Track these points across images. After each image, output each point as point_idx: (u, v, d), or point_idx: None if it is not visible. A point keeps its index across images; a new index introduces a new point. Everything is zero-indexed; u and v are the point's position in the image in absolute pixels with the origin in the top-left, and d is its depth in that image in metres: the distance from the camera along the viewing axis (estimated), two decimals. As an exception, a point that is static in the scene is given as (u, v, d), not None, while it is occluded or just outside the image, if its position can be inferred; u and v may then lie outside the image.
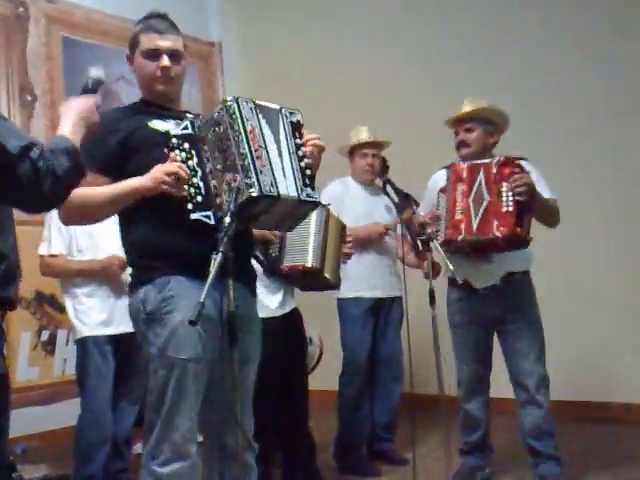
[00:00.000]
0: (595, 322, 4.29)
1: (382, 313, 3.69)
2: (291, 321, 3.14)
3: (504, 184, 2.91)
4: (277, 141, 2.01)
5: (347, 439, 3.66)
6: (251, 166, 1.89)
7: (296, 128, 2.07)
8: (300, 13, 5.69)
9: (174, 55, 2.14)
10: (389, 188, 3.39)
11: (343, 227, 3.21)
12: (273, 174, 1.94)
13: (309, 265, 2.93)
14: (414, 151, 4.55)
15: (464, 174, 3.04)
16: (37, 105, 4.73)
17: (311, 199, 2.03)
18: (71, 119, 1.71)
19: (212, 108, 2.02)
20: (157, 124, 2.07)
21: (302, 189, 2.01)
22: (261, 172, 1.90)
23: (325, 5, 5.54)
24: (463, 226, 2.96)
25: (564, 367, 3.91)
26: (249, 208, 1.90)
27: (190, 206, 1.94)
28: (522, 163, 3.04)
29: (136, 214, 2.05)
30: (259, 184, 1.88)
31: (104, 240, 3.21)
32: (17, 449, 3.89)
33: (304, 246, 2.94)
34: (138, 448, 3.49)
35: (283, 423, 3.16)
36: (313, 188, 2.04)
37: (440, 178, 3.21)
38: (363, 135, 3.77)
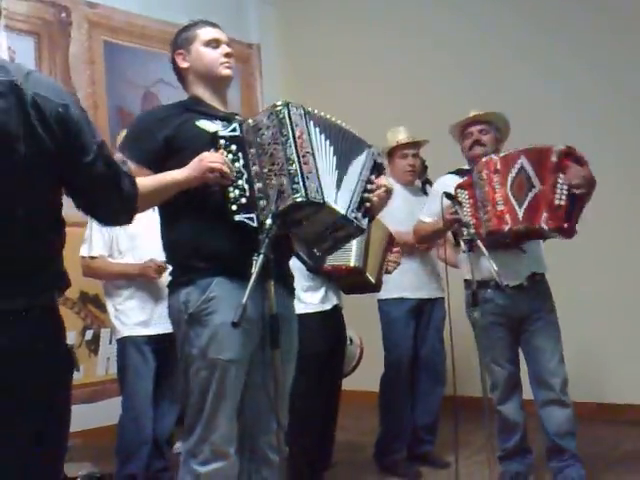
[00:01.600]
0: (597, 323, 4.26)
1: (424, 314, 3.65)
2: (332, 318, 3.12)
3: (561, 175, 2.90)
4: (339, 156, 2.04)
5: (388, 440, 3.64)
6: (298, 171, 1.90)
7: (376, 168, 2.14)
8: (337, 13, 5.67)
9: (229, 47, 2.23)
10: (429, 188, 3.37)
11: (390, 235, 3.20)
12: (319, 181, 1.94)
13: (352, 265, 2.94)
14: (448, 149, 4.52)
15: (498, 165, 3.00)
16: (79, 109, 4.80)
17: (356, 221, 2.05)
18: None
19: (252, 110, 2.04)
20: (205, 124, 2.09)
21: (352, 210, 2.04)
22: (307, 178, 1.91)
23: (362, 5, 5.52)
24: (509, 216, 2.93)
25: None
26: (292, 212, 1.91)
27: (234, 207, 1.95)
28: None
29: (178, 214, 2.07)
30: (305, 189, 1.89)
31: (145, 242, 3.24)
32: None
33: (348, 246, 2.94)
34: (178, 447, 3.53)
35: (313, 424, 3.12)
36: (364, 217, 2.08)
37: (448, 182, 3.18)
38: (402, 136, 3.74)
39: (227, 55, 2.20)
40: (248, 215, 1.94)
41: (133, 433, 3.22)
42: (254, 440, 2.10)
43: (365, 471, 3.62)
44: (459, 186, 3.08)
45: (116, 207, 1.62)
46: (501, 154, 3.08)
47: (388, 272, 3.23)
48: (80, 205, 1.58)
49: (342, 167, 2.05)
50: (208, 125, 2.08)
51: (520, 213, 2.92)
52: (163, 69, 5.79)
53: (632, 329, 4.25)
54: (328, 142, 2.04)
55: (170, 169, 2.02)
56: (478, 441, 3.60)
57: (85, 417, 4.35)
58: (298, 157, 1.92)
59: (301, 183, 1.89)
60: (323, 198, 1.93)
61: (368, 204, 2.08)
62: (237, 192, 1.96)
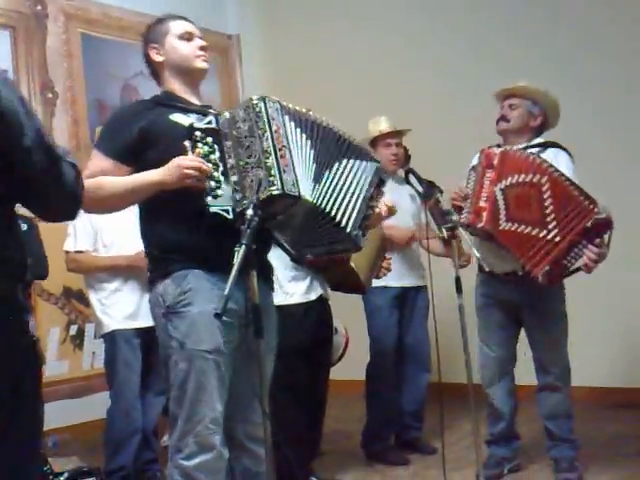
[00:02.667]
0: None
1: (408, 302, 3.67)
2: (317, 308, 3.13)
3: (586, 242, 2.78)
4: (318, 149, 2.03)
5: (375, 428, 3.66)
6: (274, 164, 1.90)
7: (379, 184, 2.17)
8: (317, 3, 5.65)
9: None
10: (412, 177, 3.37)
11: (385, 239, 3.21)
12: (295, 174, 1.94)
13: None
14: (431, 138, 4.53)
15: (495, 161, 2.93)
16: (58, 102, 4.76)
17: (356, 239, 2.05)
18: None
19: (232, 101, 2.04)
20: (179, 117, 2.08)
21: (355, 227, 2.04)
22: (284, 171, 1.91)
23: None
24: (485, 214, 2.89)
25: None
26: (268, 205, 1.91)
27: (209, 199, 1.94)
28: (556, 151, 3.01)
29: (154, 208, 2.07)
30: (282, 182, 1.89)
31: (130, 235, 3.20)
32: (48, 442, 3.95)
33: None
34: (165, 440, 3.53)
35: (300, 414, 3.12)
36: (364, 235, 2.08)
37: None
38: (384, 125, 3.73)
39: (202, 48, 2.21)
40: (224, 207, 1.94)
41: (122, 425, 3.21)
42: (232, 429, 2.09)
43: (353, 459, 3.64)
44: (472, 168, 3.04)
45: (56, 201, 1.49)
46: (502, 148, 2.98)
47: (377, 277, 3.24)
48: (17, 198, 1.46)
49: (321, 161, 2.04)
50: (182, 119, 2.07)
51: (502, 217, 2.86)
52: (142, 61, 5.76)
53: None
54: (304, 136, 2.03)
55: (150, 162, 2.02)
56: (465, 426, 3.63)
57: (71, 412, 4.37)
58: (275, 150, 1.92)
59: (277, 176, 1.89)
60: (299, 191, 1.93)
61: (370, 211, 2.11)
62: (213, 184, 1.95)
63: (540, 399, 3.14)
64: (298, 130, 2.03)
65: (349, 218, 2.03)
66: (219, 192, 1.95)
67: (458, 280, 2.62)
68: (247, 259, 1.76)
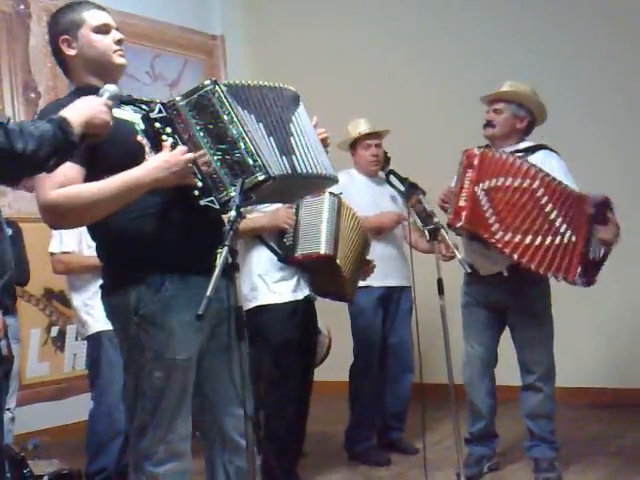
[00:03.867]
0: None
1: (392, 302, 3.68)
2: (304, 308, 3.14)
3: (599, 228, 2.82)
4: (274, 121, 1.98)
5: (357, 429, 3.67)
6: (252, 148, 1.85)
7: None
8: (303, 3, 5.66)
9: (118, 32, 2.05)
10: (393, 178, 3.37)
11: (368, 241, 3.22)
12: (266, 153, 1.89)
13: (322, 252, 2.95)
14: (412, 139, 4.56)
15: (475, 161, 2.93)
16: (41, 102, 4.72)
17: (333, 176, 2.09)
18: (71, 107, 1.65)
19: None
20: (118, 112, 1.88)
21: (329, 167, 2.06)
22: (262, 154, 1.86)
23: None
24: (464, 214, 2.89)
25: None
26: (254, 191, 1.85)
27: (196, 192, 1.85)
28: (546, 153, 3.04)
29: (121, 209, 1.86)
30: (265, 166, 1.85)
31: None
32: (28, 444, 3.91)
33: (317, 234, 2.96)
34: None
35: (285, 413, 3.12)
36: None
37: None
38: (363, 127, 3.74)
39: (119, 42, 2.02)
40: (209, 198, 1.86)
41: (105, 427, 3.18)
42: (223, 431, 2.05)
43: (335, 460, 3.64)
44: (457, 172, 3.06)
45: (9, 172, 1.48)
46: (482, 149, 2.99)
47: (362, 279, 3.29)
48: None
49: (285, 130, 1.98)
50: (123, 113, 1.91)
51: (491, 218, 2.86)
52: (127, 62, 5.75)
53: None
54: (249, 111, 1.92)
55: (102, 162, 1.84)
56: (446, 427, 3.65)
57: (52, 414, 4.34)
58: (247, 134, 1.85)
59: (260, 161, 1.84)
60: (273, 171, 1.86)
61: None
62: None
63: (523, 399, 3.17)
64: (242, 105, 1.92)
65: (325, 166, 2.05)
66: (199, 184, 1.86)
67: (440, 281, 2.63)
68: (230, 261, 1.74)
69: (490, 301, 3.13)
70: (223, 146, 1.86)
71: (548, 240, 2.82)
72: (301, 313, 3.11)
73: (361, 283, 3.49)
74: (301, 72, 5.43)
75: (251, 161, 1.84)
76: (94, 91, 1.82)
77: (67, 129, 1.59)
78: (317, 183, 2.20)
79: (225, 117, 1.86)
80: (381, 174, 3.88)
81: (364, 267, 3.29)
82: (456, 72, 4.76)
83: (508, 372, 3.29)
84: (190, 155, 1.84)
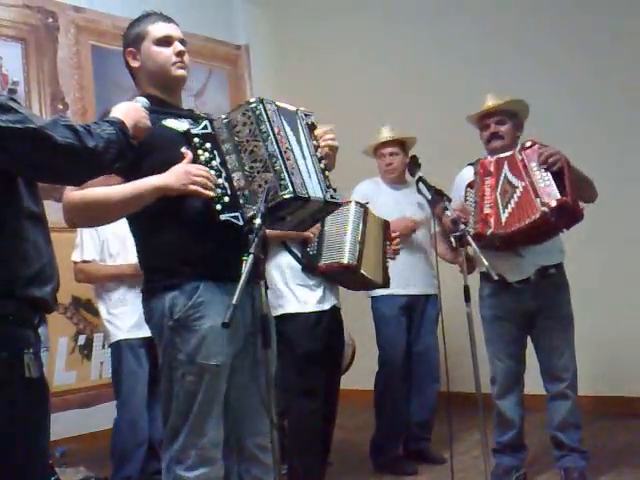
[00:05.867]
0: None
1: (416, 311, 3.66)
2: (330, 318, 3.13)
3: (533, 164, 2.89)
4: (299, 142, 2.02)
5: (383, 438, 3.64)
6: (283, 168, 1.89)
7: (312, 129, 2.10)
8: (326, 12, 5.67)
9: (183, 44, 2.12)
10: (422, 185, 3.36)
11: (386, 225, 3.21)
12: (301, 176, 1.95)
13: (345, 262, 2.94)
14: (444, 146, 4.53)
15: (491, 167, 3.02)
16: (69, 113, 4.79)
17: (335, 200, 2.06)
18: (120, 110, 1.75)
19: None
20: (172, 123, 2.01)
21: (326, 190, 2.04)
22: (292, 174, 1.90)
23: (351, 3, 5.50)
24: (492, 220, 2.92)
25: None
26: (280, 209, 1.91)
27: (219, 207, 1.91)
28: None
29: (159, 218, 1.98)
30: (292, 186, 1.88)
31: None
32: (56, 452, 3.94)
33: (341, 244, 2.95)
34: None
35: (313, 424, 3.11)
36: (335, 189, 2.07)
37: (467, 174, 3.18)
38: (382, 135, 3.77)
39: (180, 54, 2.08)
40: (233, 214, 1.91)
41: (129, 436, 3.21)
42: (241, 441, 2.08)
43: (361, 469, 3.62)
44: (468, 185, 3.09)
45: (63, 167, 1.57)
46: (494, 157, 3.07)
47: (391, 258, 3.23)
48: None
49: (303, 152, 2.03)
50: (176, 124, 2.00)
51: (503, 218, 2.90)
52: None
53: None
54: (296, 135, 2.03)
55: (144, 170, 1.94)
56: (473, 437, 3.61)
57: (79, 422, 4.37)
58: (281, 153, 1.91)
59: (287, 179, 1.88)
60: (308, 192, 1.93)
61: (327, 172, 2.07)
62: (219, 191, 1.92)
63: (552, 409, 3.12)
64: (291, 129, 2.01)
65: (319, 187, 2.03)
66: (226, 199, 1.92)
67: (467, 289, 2.61)
68: (255, 268, 1.75)
69: (518, 310, 3.09)
70: (256, 164, 1.91)
71: (511, 204, 2.90)
72: (326, 323, 3.10)
73: (384, 291, 3.48)
74: (326, 81, 5.47)
75: (280, 180, 1.88)
76: (164, 103, 2.02)
77: (127, 132, 1.69)
78: (328, 211, 2.17)
79: (262, 135, 1.91)
80: (410, 179, 3.89)
81: (387, 248, 3.24)
82: (497, 75, 4.72)
83: (529, 381, 3.24)
84: (196, 171, 1.90)
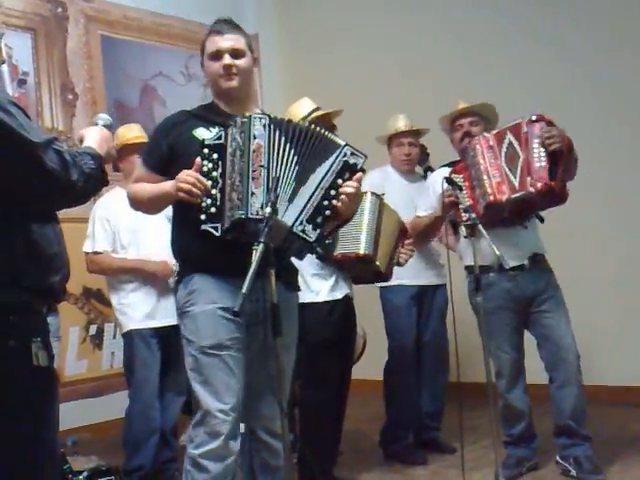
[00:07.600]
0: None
1: (425, 301, 3.65)
2: (342, 307, 3.12)
3: (535, 140, 2.93)
4: (290, 164, 2.00)
5: (394, 427, 3.64)
6: (244, 187, 1.94)
7: (347, 169, 2.04)
8: (337, 2, 5.64)
9: (235, 53, 2.22)
10: (430, 175, 3.36)
11: (402, 225, 3.20)
12: (267, 196, 1.92)
13: (362, 252, 2.93)
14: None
15: (491, 142, 3.04)
16: (79, 103, 4.80)
17: (303, 235, 1.99)
18: (95, 139, 1.78)
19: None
20: (200, 132, 2.15)
21: (302, 222, 1.99)
22: (252, 194, 1.94)
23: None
24: (506, 187, 2.95)
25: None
26: (241, 228, 1.96)
27: (203, 217, 2.01)
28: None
29: (175, 218, 2.25)
30: (247, 207, 1.92)
31: (147, 236, 3.25)
32: (67, 441, 3.98)
33: (357, 234, 2.94)
34: (184, 440, 3.54)
35: (324, 413, 3.12)
36: (316, 228, 2.00)
37: (441, 174, 3.16)
38: (400, 123, 3.73)
39: (227, 67, 2.20)
40: (214, 225, 2.01)
41: (141, 424, 3.23)
42: (251, 423, 2.20)
43: (371, 459, 3.63)
44: (453, 171, 3.09)
45: (41, 189, 1.55)
46: (493, 132, 3.11)
47: (399, 264, 3.21)
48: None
49: (302, 177, 2.02)
50: (204, 133, 2.14)
51: (516, 182, 2.94)
52: (161, 62, 5.81)
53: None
54: (293, 152, 2.02)
55: (174, 174, 2.10)
56: (483, 426, 3.60)
57: (91, 411, 4.40)
58: (248, 172, 1.95)
59: (244, 200, 1.93)
60: (265, 214, 1.86)
61: (328, 212, 2.02)
62: (209, 201, 2.02)
63: (562, 397, 3.08)
64: (288, 145, 2.02)
65: (293, 214, 1.99)
66: (212, 210, 2.01)
67: (478, 279, 2.60)
68: (265, 257, 1.75)
69: (515, 297, 3.10)
70: (236, 179, 1.98)
71: (518, 169, 2.96)
72: (339, 312, 3.10)
73: (393, 282, 3.46)
74: (335, 71, 5.44)
75: (237, 200, 1.94)
76: (213, 111, 2.24)
77: (104, 168, 1.73)
78: (290, 239, 2.05)
79: (240, 152, 1.98)
80: (419, 170, 3.87)
81: (400, 248, 3.24)
82: (506, 68, 4.67)
83: (529, 371, 3.22)
84: (184, 177, 2.01)
